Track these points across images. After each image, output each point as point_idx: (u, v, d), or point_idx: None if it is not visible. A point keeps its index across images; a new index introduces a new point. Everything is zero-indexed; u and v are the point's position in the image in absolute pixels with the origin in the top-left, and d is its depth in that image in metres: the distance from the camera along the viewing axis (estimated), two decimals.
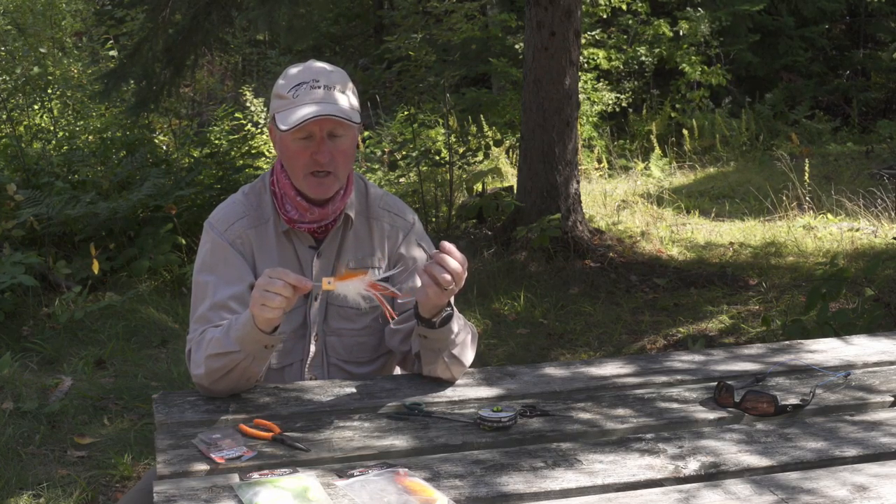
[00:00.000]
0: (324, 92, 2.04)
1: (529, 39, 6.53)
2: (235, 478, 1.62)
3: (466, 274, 1.93)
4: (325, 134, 2.04)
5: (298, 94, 2.04)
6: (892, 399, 2.00)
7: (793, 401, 1.96)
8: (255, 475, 1.61)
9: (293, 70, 2.11)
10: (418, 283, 2.14)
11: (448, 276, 1.87)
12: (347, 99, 2.08)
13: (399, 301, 2.16)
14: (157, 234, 6.24)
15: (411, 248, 2.21)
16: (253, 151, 7.40)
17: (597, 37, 11.81)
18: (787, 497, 1.54)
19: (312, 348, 2.17)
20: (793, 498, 1.54)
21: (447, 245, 1.91)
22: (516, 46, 10.90)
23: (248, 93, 8.51)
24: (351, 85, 2.12)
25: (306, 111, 2.00)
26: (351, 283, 1.86)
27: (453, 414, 1.92)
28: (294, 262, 2.14)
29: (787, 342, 2.47)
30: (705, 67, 11.95)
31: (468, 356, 2.10)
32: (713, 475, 1.65)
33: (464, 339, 2.07)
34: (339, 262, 2.16)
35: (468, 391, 2.06)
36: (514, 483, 1.60)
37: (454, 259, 1.90)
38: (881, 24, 14.11)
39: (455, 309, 2.04)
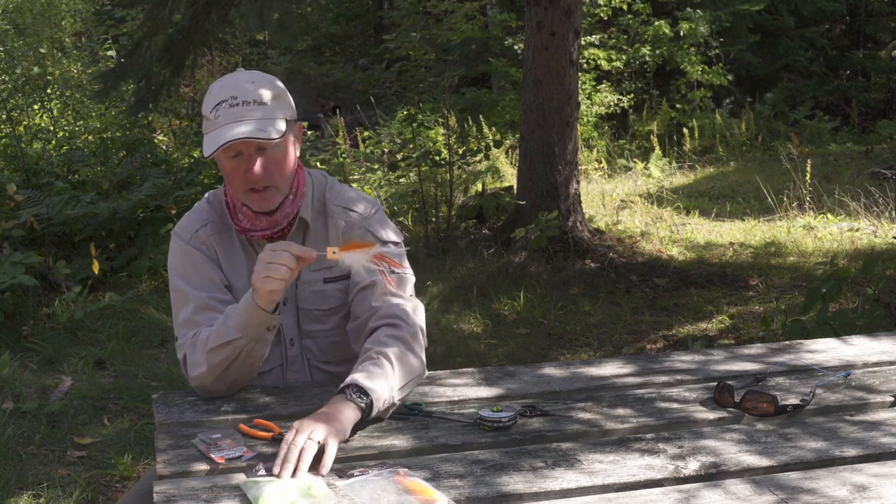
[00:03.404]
0: (242, 109, 1.97)
1: (529, 39, 6.54)
2: (241, 476, 1.62)
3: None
4: (254, 150, 1.98)
5: (219, 115, 1.98)
6: (892, 399, 2.00)
7: (793, 401, 1.96)
8: (262, 470, 1.62)
9: (216, 86, 2.04)
10: (356, 276, 2.04)
11: (311, 449, 1.65)
12: (270, 112, 1.99)
13: (349, 296, 2.11)
14: (157, 234, 6.24)
15: (359, 238, 2.11)
16: None
17: (596, 39, 11.81)
18: (787, 497, 1.54)
19: (290, 352, 2.16)
20: (793, 498, 1.54)
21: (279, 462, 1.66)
22: (516, 47, 10.91)
23: None
24: (276, 91, 2.03)
25: (225, 134, 1.95)
26: (356, 253, 1.84)
27: (453, 414, 1.92)
28: None
29: (787, 342, 2.47)
30: (706, 67, 11.96)
31: (416, 368, 1.97)
32: (713, 475, 1.65)
33: (402, 372, 1.92)
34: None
35: (468, 391, 2.06)
36: (514, 483, 1.60)
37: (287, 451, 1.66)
38: (881, 24, 14.12)
39: (368, 379, 1.84)
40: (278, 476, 1.61)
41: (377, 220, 2.16)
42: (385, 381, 1.86)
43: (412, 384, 1.97)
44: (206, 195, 2.21)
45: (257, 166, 1.99)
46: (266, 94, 2.01)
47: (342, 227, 2.14)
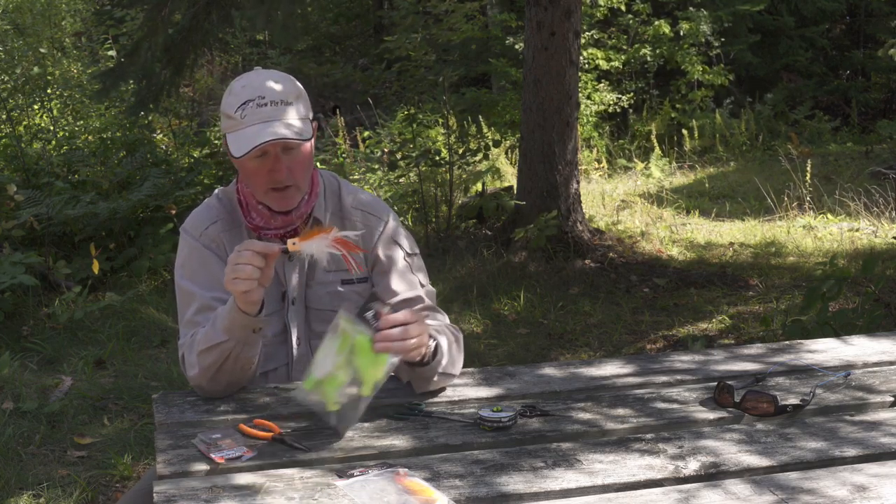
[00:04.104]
0: (271, 109, 1.98)
1: (529, 39, 6.54)
2: (241, 477, 1.61)
3: (418, 317, 1.87)
4: (280, 150, 1.99)
5: (246, 114, 1.98)
6: (892, 399, 2.00)
7: (793, 401, 1.96)
8: (372, 312, 1.79)
9: (238, 86, 2.04)
10: (393, 285, 2.11)
11: (412, 341, 1.81)
12: (296, 112, 2.02)
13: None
14: (157, 234, 6.24)
15: (387, 247, 2.16)
16: None
17: (595, 35, 11.81)
18: (786, 497, 1.54)
19: (297, 352, 2.16)
20: (792, 498, 1.54)
21: (388, 318, 1.81)
22: (516, 46, 10.91)
23: None
24: (297, 90, 2.06)
25: (256, 133, 1.96)
26: (315, 241, 1.82)
27: (453, 414, 1.92)
28: None
29: (787, 342, 2.47)
30: (706, 67, 11.96)
31: (458, 365, 2.08)
32: (713, 475, 1.65)
33: (452, 355, 2.03)
34: (312, 264, 2.13)
35: (468, 391, 2.06)
36: (514, 483, 1.60)
37: (400, 325, 1.81)
38: (881, 24, 14.12)
39: (437, 334, 1.98)
40: (377, 329, 1.77)
41: (401, 231, 2.20)
42: (443, 360, 1.97)
43: (443, 380, 2.03)
44: (216, 191, 2.20)
45: (283, 166, 2.00)
46: (291, 94, 2.03)
47: (364, 233, 2.14)
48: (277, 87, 2.02)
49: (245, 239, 2.11)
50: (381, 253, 2.15)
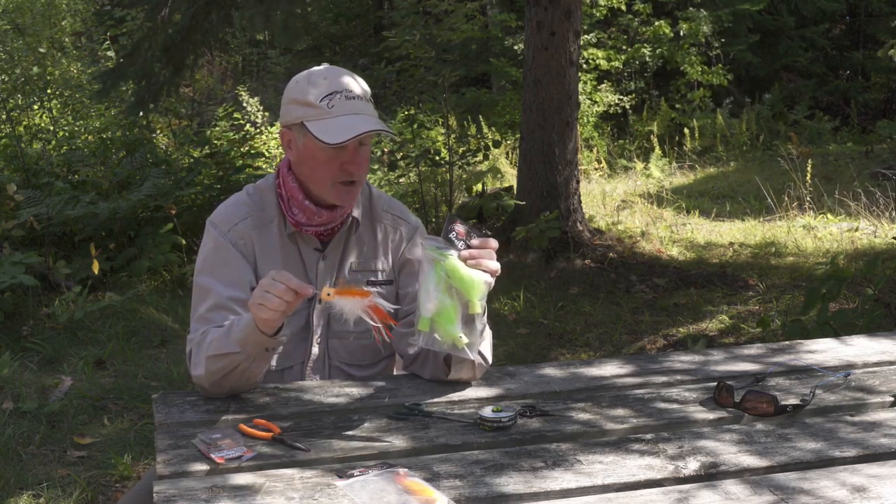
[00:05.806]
0: (360, 103, 2.03)
1: (529, 39, 6.54)
2: (244, 476, 1.61)
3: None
4: (357, 143, 2.03)
5: (334, 105, 2.00)
6: (891, 399, 2.00)
7: (792, 401, 1.96)
8: (455, 232, 1.82)
9: (318, 77, 2.06)
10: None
11: (497, 265, 1.88)
12: (373, 108, 2.08)
13: (404, 308, 2.16)
14: (157, 234, 6.24)
15: (416, 250, 2.20)
16: (252, 151, 7.41)
17: (597, 37, 11.82)
18: (785, 497, 1.55)
19: (315, 350, 2.16)
20: (791, 498, 1.54)
21: (489, 242, 1.88)
22: (516, 47, 10.91)
23: (244, 93, 8.52)
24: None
25: (351, 124, 1.99)
26: (350, 301, 1.81)
27: (453, 414, 1.92)
28: (298, 264, 2.14)
29: (786, 342, 2.47)
30: (706, 67, 11.96)
31: (491, 353, 2.10)
32: (712, 475, 1.65)
33: (488, 336, 2.06)
34: (342, 264, 2.15)
35: (468, 391, 2.06)
36: (514, 483, 1.60)
37: (486, 248, 1.89)
38: (881, 24, 14.13)
39: None
40: (466, 247, 1.81)
41: (424, 234, 2.23)
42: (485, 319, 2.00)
43: (479, 369, 2.05)
44: (246, 188, 2.21)
45: (358, 160, 2.04)
46: (369, 92, 2.08)
47: (391, 234, 2.20)
48: (358, 83, 2.07)
49: (274, 237, 2.12)
50: (412, 256, 2.20)
